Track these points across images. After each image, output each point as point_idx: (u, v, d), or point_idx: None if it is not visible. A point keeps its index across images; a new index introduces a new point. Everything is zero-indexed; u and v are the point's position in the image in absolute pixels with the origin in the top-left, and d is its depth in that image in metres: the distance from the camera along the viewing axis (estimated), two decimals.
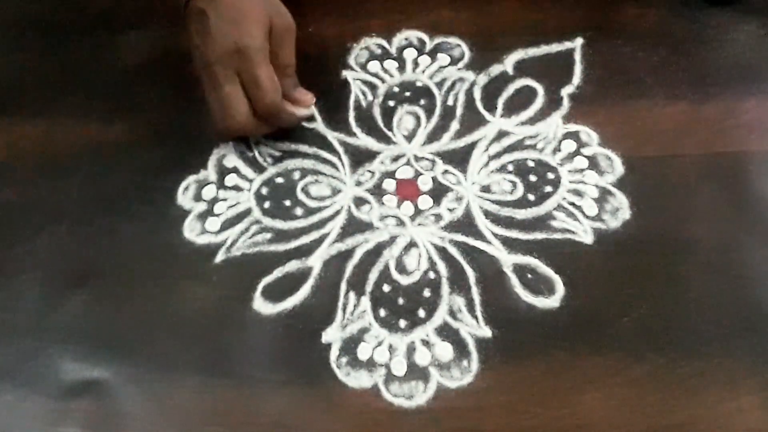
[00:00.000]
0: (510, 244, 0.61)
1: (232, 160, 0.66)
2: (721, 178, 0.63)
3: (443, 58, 0.70)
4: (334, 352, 0.58)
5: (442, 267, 0.60)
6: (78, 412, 0.56)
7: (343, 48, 0.71)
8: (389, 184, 0.64)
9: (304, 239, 0.62)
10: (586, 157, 0.64)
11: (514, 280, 0.59)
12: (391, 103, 0.68)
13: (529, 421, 0.54)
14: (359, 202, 0.64)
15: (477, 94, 0.68)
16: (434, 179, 0.64)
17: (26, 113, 0.70)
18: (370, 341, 0.58)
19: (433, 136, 0.66)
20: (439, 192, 0.64)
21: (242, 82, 0.61)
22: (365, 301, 0.59)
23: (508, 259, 0.60)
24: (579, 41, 0.70)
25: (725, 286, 0.58)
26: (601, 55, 0.69)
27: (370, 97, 0.69)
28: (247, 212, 0.64)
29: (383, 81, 0.69)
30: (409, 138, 0.66)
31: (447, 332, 0.58)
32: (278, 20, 0.63)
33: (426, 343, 0.58)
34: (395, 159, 0.65)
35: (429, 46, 0.71)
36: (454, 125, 0.67)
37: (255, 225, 0.63)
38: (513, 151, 0.65)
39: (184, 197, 0.65)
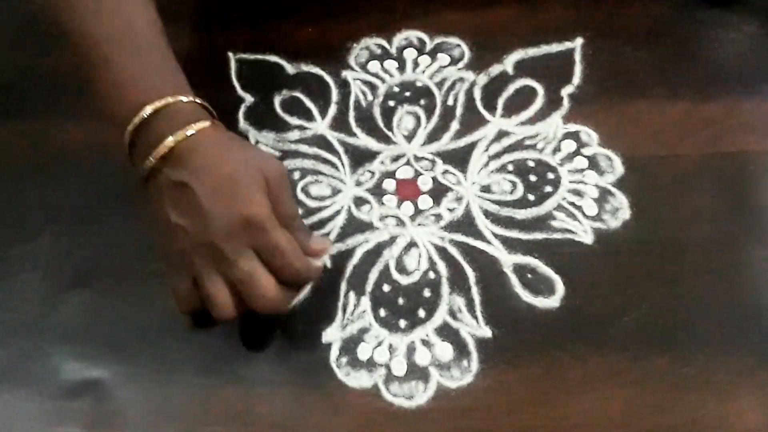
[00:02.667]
0: (510, 244, 0.61)
1: None
2: (721, 178, 0.63)
3: (443, 58, 0.70)
4: (334, 352, 0.58)
5: (442, 267, 0.60)
6: (78, 412, 0.56)
7: (343, 48, 0.71)
8: (389, 184, 0.64)
9: None
10: (586, 157, 0.64)
11: (514, 280, 0.59)
12: (391, 103, 0.68)
13: (529, 421, 0.54)
14: (359, 202, 0.64)
15: (477, 94, 0.68)
16: (434, 179, 0.64)
17: (26, 113, 0.70)
18: (370, 341, 0.58)
19: (433, 136, 0.66)
20: (439, 192, 0.64)
21: (259, 256, 0.53)
22: (365, 301, 0.59)
23: (508, 259, 0.60)
24: (579, 41, 0.70)
25: (725, 286, 0.58)
26: (601, 55, 0.69)
27: (370, 97, 0.69)
28: None
29: (383, 81, 0.69)
30: (409, 138, 0.66)
31: (447, 332, 0.58)
32: (271, 173, 0.55)
33: (426, 343, 0.58)
34: (395, 159, 0.65)
35: (429, 46, 0.71)
36: (454, 125, 0.67)
37: None
38: (513, 151, 0.65)
39: None
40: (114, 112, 0.55)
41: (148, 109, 0.54)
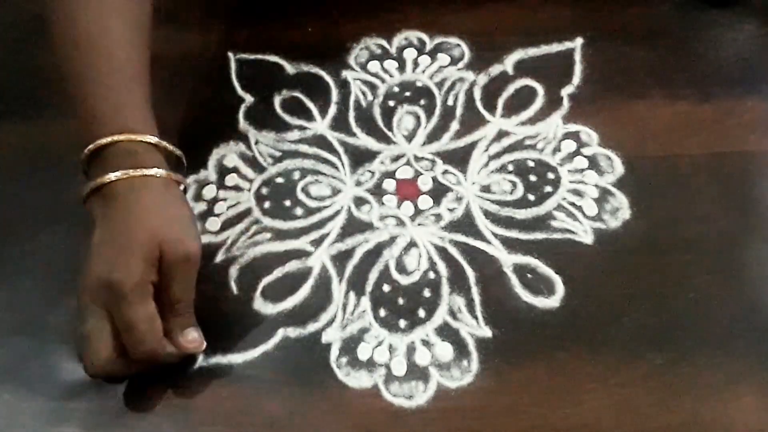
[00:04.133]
0: (510, 244, 0.61)
1: (232, 160, 0.66)
2: (721, 178, 0.63)
3: (443, 58, 0.70)
4: (334, 352, 0.58)
5: (442, 267, 0.60)
6: (78, 412, 0.56)
7: (343, 48, 0.71)
8: (389, 184, 0.64)
9: (304, 239, 0.62)
10: (586, 157, 0.64)
11: (514, 280, 0.59)
12: (391, 103, 0.68)
13: (530, 420, 0.54)
14: (359, 202, 0.64)
15: (477, 94, 0.68)
16: (434, 179, 0.64)
17: (26, 113, 0.70)
18: (370, 341, 0.58)
19: (433, 136, 0.66)
20: (439, 192, 0.64)
21: (113, 322, 0.53)
22: (365, 301, 0.59)
23: (508, 259, 0.60)
24: (579, 41, 0.70)
25: (725, 286, 0.58)
26: (601, 55, 0.69)
27: (370, 97, 0.69)
28: (247, 212, 0.64)
29: (383, 81, 0.70)
30: (409, 138, 0.66)
31: (447, 332, 0.58)
32: (171, 248, 0.53)
33: (426, 343, 0.58)
34: (395, 159, 0.65)
35: (429, 46, 0.71)
36: (454, 125, 0.67)
37: (255, 225, 0.63)
38: (513, 151, 0.65)
39: None
40: (79, 132, 0.57)
41: (97, 143, 0.55)
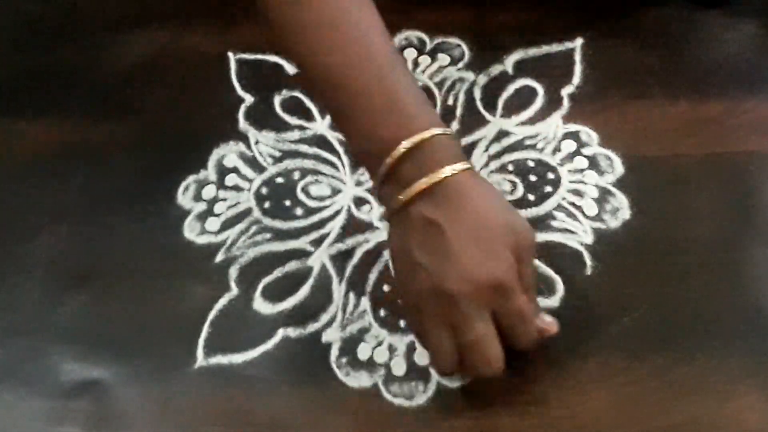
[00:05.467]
0: None
1: (232, 160, 0.66)
2: (721, 178, 0.63)
3: (443, 58, 0.70)
4: (334, 352, 0.58)
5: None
6: (78, 412, 0.56)
7: None
8: None
9: (304, 239, 0.62)
10: (586, 157, 0.64)
11: None
12: None
13: (530, 421, 0.54)
14: (359, 202, 0.64)
15: (477, 94, 0.68)
16: None
17: (26, 113, 0.70)
18: (370, 341, 0.58)
19: None
20: None
21: (497, 318, 0.50)
22: (365, 301, 0.59)
23: None
24: (579, 41, 0.70)
25: (725, 286, 0.58)
26: (601, 55, 0.69)
27: None
28: (247, 212, 0.64)
29: None
30: None
31: None
32: (522, 235, 0.51)
33: None
34: None
35: (429, 46, 0.71)
36: (454, 125, 0.67)
37: (255, 225, 0.63)
38: (513, 151, 0.65)
39: (184, 197, 0.65)
40: (371, 142, 0.52)
41: (416, 138, 0.50)
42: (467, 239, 0.49)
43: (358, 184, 0.64)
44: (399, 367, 0.57)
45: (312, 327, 0.59)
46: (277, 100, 0.69)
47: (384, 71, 0.53)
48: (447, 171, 0.50)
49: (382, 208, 0.60)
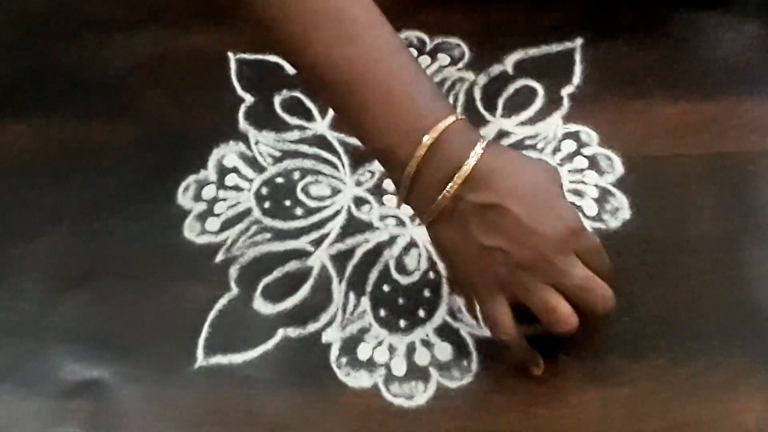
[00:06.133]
0: None
1: (232, 160, 0.66)
2: (721, 178, 0.63)
3: (443, 58, 0.70)
4: (334, 352, 0.58)
5: (442, 267, 0.60)
6: (78, 412, 0.56)
7: None
8: (389, 184, 0.64)
9: (304, 239, 0.62)
10: (586, 157, 0.64)
11: None
12: None
13: (530, 421, 0.54)
14: (359, 201, 0.64)
15: (477, 94, 0.68)
16: None
17: (26, 113, 0.70)
18: (370, 341, 0.58)
19: None
20: None
21: (582, 259, 0.52)
22: (365, 301, 0.59)
23: None
24: (579, 41, 0.70)
25: (725, 286, 0.58)
26: (601, 55, 0.69)
27: None
28: (247, 212, 0.64)
29: None
30: None
31: (447, 332, 0.58)
32: (559, 178, 0.54)
33: (426, 343, 0.58)
34: None
35: (429, 46, 0.71)
36: None
37: (255, 225, 0.63)
38: None
39: (184, 197, 0.65)
40: (392, 140, 0.51)
41: (438, 129, 0.50)
42: (528, 206, 0.50)
43: (358, 184, 0.64)
44: (399, 367, 0.57)
45: (312, 327, 0.59)
46: (277, 100, 0.69)
47: (396, 63, 0.52)
48: (476, 153, 0.50)
49: (407, 209, 0.58)
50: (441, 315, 0.58)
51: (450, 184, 0.50)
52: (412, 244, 0.62)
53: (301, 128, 0.67)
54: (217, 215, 0.64)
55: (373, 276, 0.60)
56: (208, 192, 0.65)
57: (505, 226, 0.50)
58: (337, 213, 0.63)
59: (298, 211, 0.64)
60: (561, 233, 0.50)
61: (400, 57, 0.53)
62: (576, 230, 0.51)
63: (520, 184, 0.51)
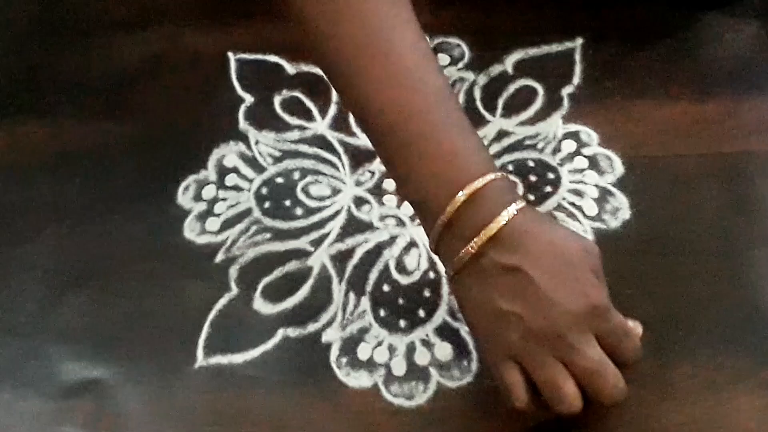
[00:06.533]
0: None
1: (232, 160, 0.66)
2: (721, 178, 0.63)
3: (443, 58, 0.70)
4: (334, 352, 0.58)
5: (442, 267, 0.60)
6: (78, 412, 0.56)
7: None
8: (389, 184, 0.64)
9: (304, 239, 0.62)
10: (586, 157, 0.64)
11: None
12: None
13: (529, 421, 0.54)
14: (359, 201, 0.64)
15: (477, 94, 0.68)
16: None
17: (26, 113, 0.70)
18: (370, 341, 0.58)
19: None
20: None
21: (600, 341, 0.49)
22: (365, 301, 0.59)
23: None
24: (579, 41, 0.70)
25: (725, 286, 0.58)
26: (601, 55, 0.69)
27: None
28: (247, 212, 0.64)
29: None
30: None
31: (447, 332, 0.58)
32: (593, 255, 0.50)
33: (426, 343, 0.58)
34: None
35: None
36: None
37: (255, 225, 0.63)
38: (513, 151, 0.65)
39: (184, 197, 0.65)
40: (428, 192, 0.50)
41: (475, 185, 0.49)
42: (552, 275, 0.48)
43: (358, 184, 0.64)
44: (399, 367, 0.57)
45: (312, 327, 0.59)
46: (277, 100, 0.69)
47: (444, 112, 0.51)
48: (509, 213, 0.49)
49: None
50: (441, 315, 0.58)
51: (475, 239, 0.49)
52: (412, 244, 0.62)
53: (301, 128, 0.67)
54: (217, 215, 0.64)
55: (373, 276, 0.60)
56: (208, 192, 0.65)
57: (525, 292, 0.48)
58: (337, 213, 0.63)
59: (298, 211, 0.64)
60: (581, 309, 0.48)
61: (448, 105, 0.52)
62: (599, 309, 0.48)
63: (548, 252, 0.49)
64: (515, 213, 0.49)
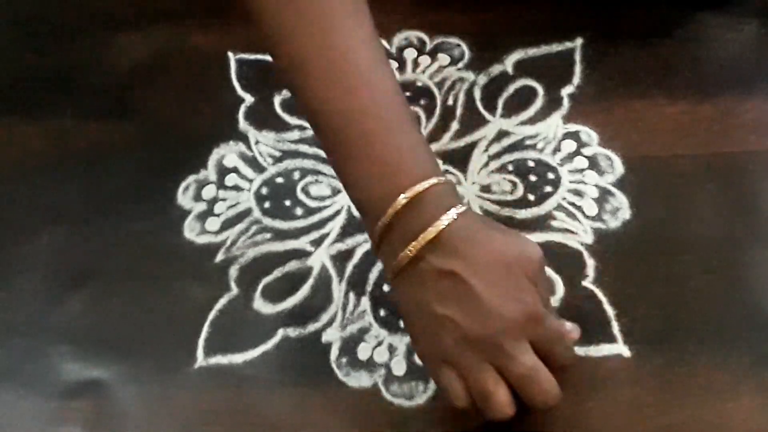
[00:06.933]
0: None
1: (232, 160, 0.66)
2: (721, 178, 0.63)
3: (443, 58, 0.70)
4: (334, 352, 0.58)
5: None
6: (78, 412, 0.56)
7: None
8: None
9: (304, 239, 0.62)
10: (586, 157, 0.64)
11: None
12: None
13: (529, 421, 0.54)
14: None
15: (477, 94, 0.68)
16: None
17: (26, 113, 0.70)
18: (370, 341, 0.58)
19: (433, 136, 0.66)
20: None
21: (534, 346, 0.49)
22: (365, 301, 0.59)
23: None
24: (579, 41, 0.70)
25: (725, 286, 0.58)
26: (601, 55, 0.69)
27: None
28: (247, 212, 0.64)
29: None
30: None
31: None
32: (531, 257, 0.50)
33: None
34: None
35: (429, 46, 0.71)
36: (454, 125, 0.67)
37: (255, 225, 0.63)
38: (513, 151, 0.65)
39: (184, 197, 0.65)
40: (371, 193, 0.51)
41: (416, 189, 0.49)
42: (488, 280, 0.48)
43: None
44: (399, 367, 0.57)
45: (312, 327, 0.59)
46: (277, 100, 0.69)
47: (388, 114, 0.51)
48: (448, 218, 0.49)
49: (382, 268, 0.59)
50: None
51: (414, 243, 0.49)
52: None
53: (301, 128, 0.67)
54: (217, 215, 0.64)
55: (373, 276, 0.60)
56: (208, 192, 0.65)
57: (461, 297, 0.48)
58: (337, 213, 0.63)
59: (298, 211, 0.64)
60: (515, 315, 0.48)
61: (396, 108, 0.52)
62: (533, 316, 0.49)
63: (486, 257, 0.49)
64: (455, 217, 0.49)
